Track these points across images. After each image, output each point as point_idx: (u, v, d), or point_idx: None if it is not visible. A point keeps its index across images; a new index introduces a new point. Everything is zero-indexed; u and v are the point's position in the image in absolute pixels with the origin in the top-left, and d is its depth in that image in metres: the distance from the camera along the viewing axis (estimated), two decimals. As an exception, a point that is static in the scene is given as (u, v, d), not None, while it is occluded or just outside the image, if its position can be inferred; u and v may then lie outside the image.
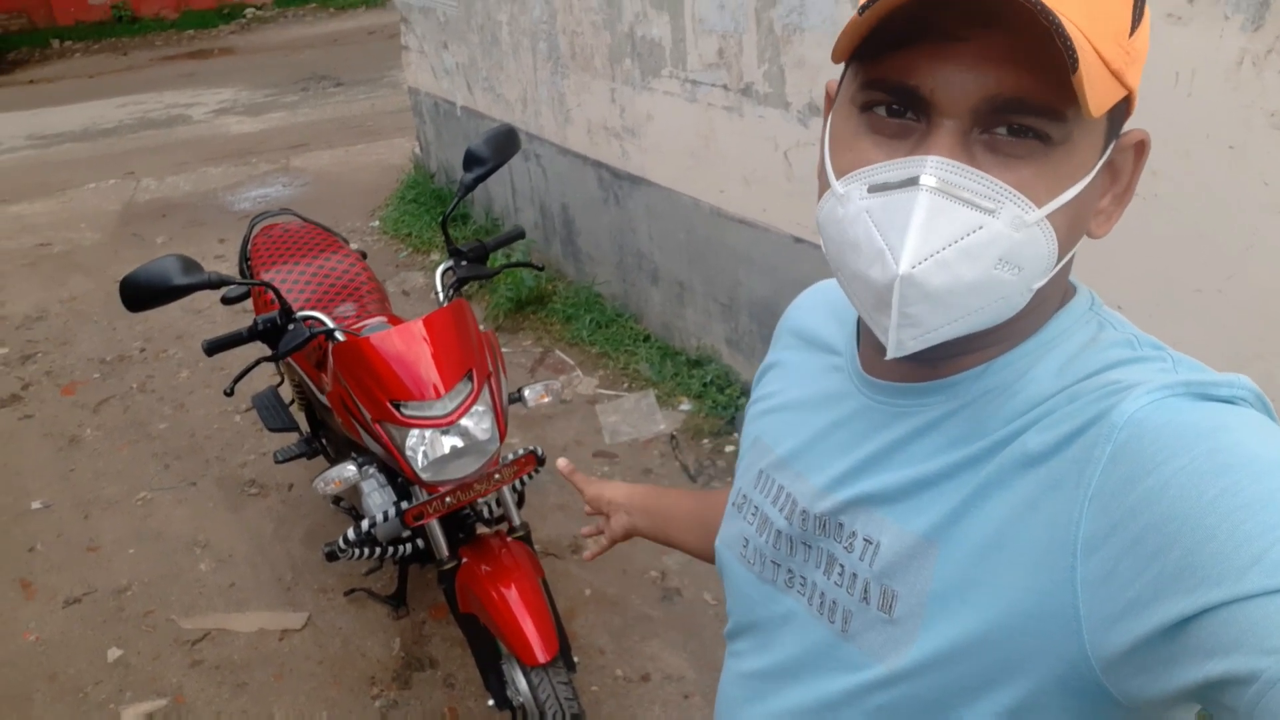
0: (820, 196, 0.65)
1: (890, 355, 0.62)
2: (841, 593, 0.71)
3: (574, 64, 3.98)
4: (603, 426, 3.54)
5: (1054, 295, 0.66)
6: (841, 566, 0.71)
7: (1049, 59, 0.53)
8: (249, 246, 2.91)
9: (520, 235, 2.21)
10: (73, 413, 4.01)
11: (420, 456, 1.82)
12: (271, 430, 2.90)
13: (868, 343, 0.74)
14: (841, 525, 0.72)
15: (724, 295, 3.49)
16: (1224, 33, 1.75)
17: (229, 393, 1.95)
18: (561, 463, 1.27)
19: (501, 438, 1.90)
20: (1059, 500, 0.58)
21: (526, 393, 2.10)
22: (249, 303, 2.80)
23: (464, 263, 2.09)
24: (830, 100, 0.69)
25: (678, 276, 3.73)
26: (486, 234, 5.13)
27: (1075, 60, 0.51)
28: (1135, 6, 0.58)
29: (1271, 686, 0.45)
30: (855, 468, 0.72)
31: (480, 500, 2.06)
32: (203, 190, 6.98)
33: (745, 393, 3.43)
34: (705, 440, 3.38)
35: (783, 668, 0.77)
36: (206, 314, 4.78)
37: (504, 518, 2.11)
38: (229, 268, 4.60)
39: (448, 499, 1.88)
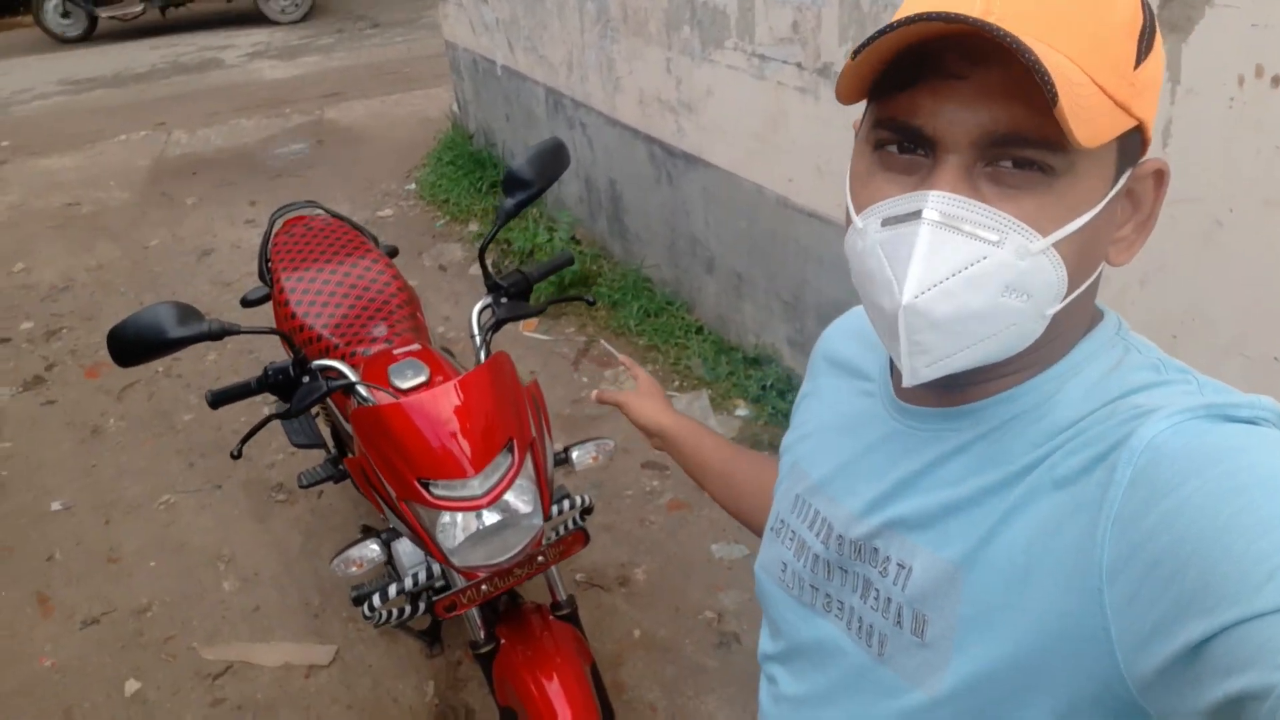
0: (846, 229, 0.68)
1: (907, 383, 0.64)
2: (877, 616, 0.72)
3: (626, 28, 3.62)
4: (652, 433, 3.27)
5: (1078, 322, 0.67)
6: (877, 591, 0.72)
7: (1043, 93, 0.53)
8: (270, 245, 2.64)
9: (569, 262, 1.91)
10: (96, 399, 3.83)
11: (451, 538, 1.56)
12: (296, 446, 2.66)
13: (898, 370, 0.73)
14: (876, 550, 0.73)
15: (788, 292, 3.17)
16: None
17: (236, 455, 1.70)
18: (596, 395, 1.34)
19: (546, 512, 1.64)
20: (1083, 523, 0.59)
21: (575, 454, 1.83)
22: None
23: (504, 299, 1.81)
24: (858, 136, 0.70)
25: (736, 267, 3.41)
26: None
27: (1054, 94, 0.52)
28: (1142, 39, 0.59)
29: None
30: (887, 492, 0.73)
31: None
32: (235, 145, 6.72)
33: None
34: (765, 452, 3.09)
35: (823, 691, 0.78)
36: (235, 287, 4.55)
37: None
38: (259, 236, 4.38)
39: (484, 587, 1.63)
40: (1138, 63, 0.59)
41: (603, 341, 2.17)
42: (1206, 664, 0.50)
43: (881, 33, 0.57)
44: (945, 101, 0.59)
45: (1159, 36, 0.62)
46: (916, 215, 0.59)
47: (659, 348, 3.70)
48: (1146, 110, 0.61)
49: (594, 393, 1.34)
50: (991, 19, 0.55)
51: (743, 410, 3.30)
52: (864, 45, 0.58)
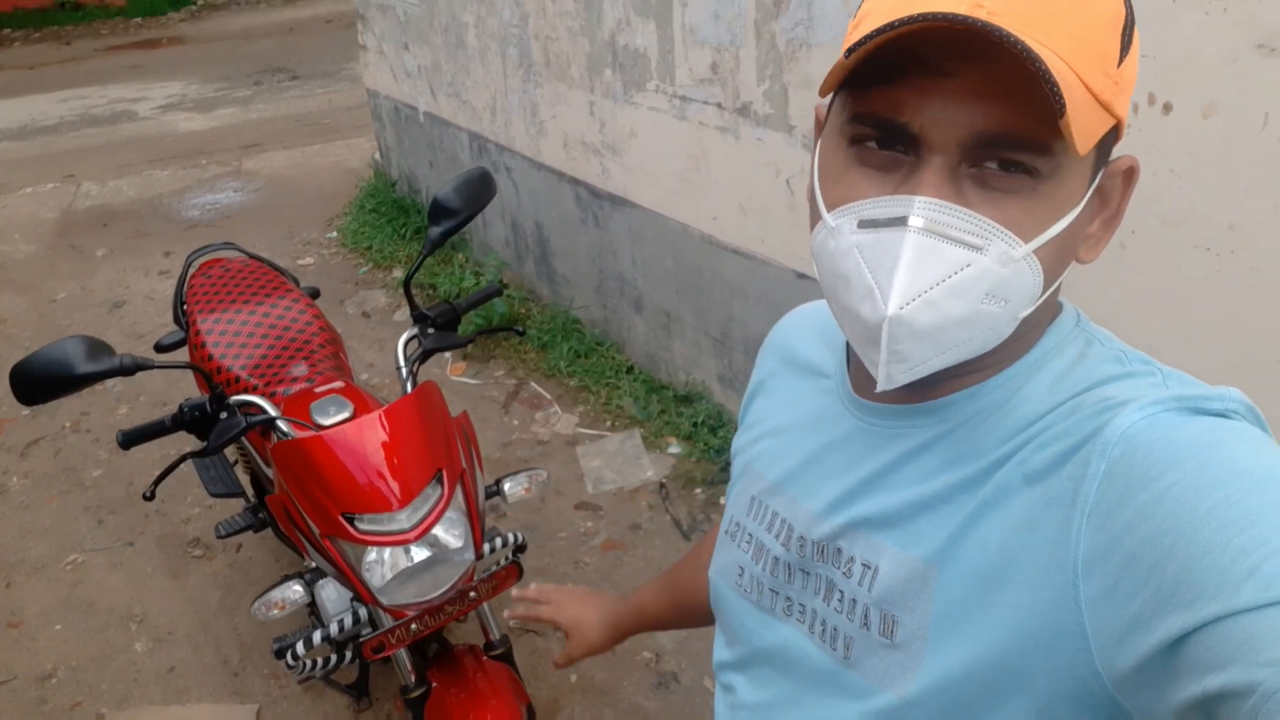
0: (812, 223, 0.65)
1: (880, 388, 0.62)
2: (842, 619, 0.70)
3: (548, 72, 3.66)
4: (585, 473, 3.23)
5: (1043, 318, 0.67)
6: (841, 592, 0.70)
7: (1036, 94, 0.52)
8: (185, 287, 2.56)
9: (497, 293, 1.89)
10: (-3, 457, 3.63)
11: (378, 577, 1.51)
12: (214, 496, 2.56)
13: (859, 366, 0.74)
14: (839, 550, 0.71)
15: (716, 329, 3.20)
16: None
17: (149, 496, 1.62)
18: (515, 611, 1.25)
19: (477, 546, 1.60)
20: (1057, 518, 0.58)
21: (507, 485, 1.79)
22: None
23: (430, 330, 1.78)
24: (820, 124, 0.68)
25: (664, 306, 3.43)
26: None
27: (1062, 105, 0.51)
28: (1124, 34, 0.58)
29: (1268, 699, 0.44)
30: (851, 491, 0.71)
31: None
32: (148, 196, 6.54)
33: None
34: (698, 490, 3.09)
35: (785, 698, 0.76)
36: (149, 338, 4.39)
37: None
38: (174, 286, 4.25)
39: (413, 626, 1.58)
40: (1120, 59, 0.57)
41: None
42: (1185, 659, 0.49)
43: (880, 31, 0.54)
44: (932, 99, 0.56)
45: (1137, 31, 0.60)
46: (902, 222, 0.57)
47: (590, 388, 3.68)
48: (1124, 108, 0.59)
49: (511, 610, 1.26)
50: (981, 13, 0.53)
51: (675, 448, 3.30)
52: (859, 44, 0.55)
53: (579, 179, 3.69)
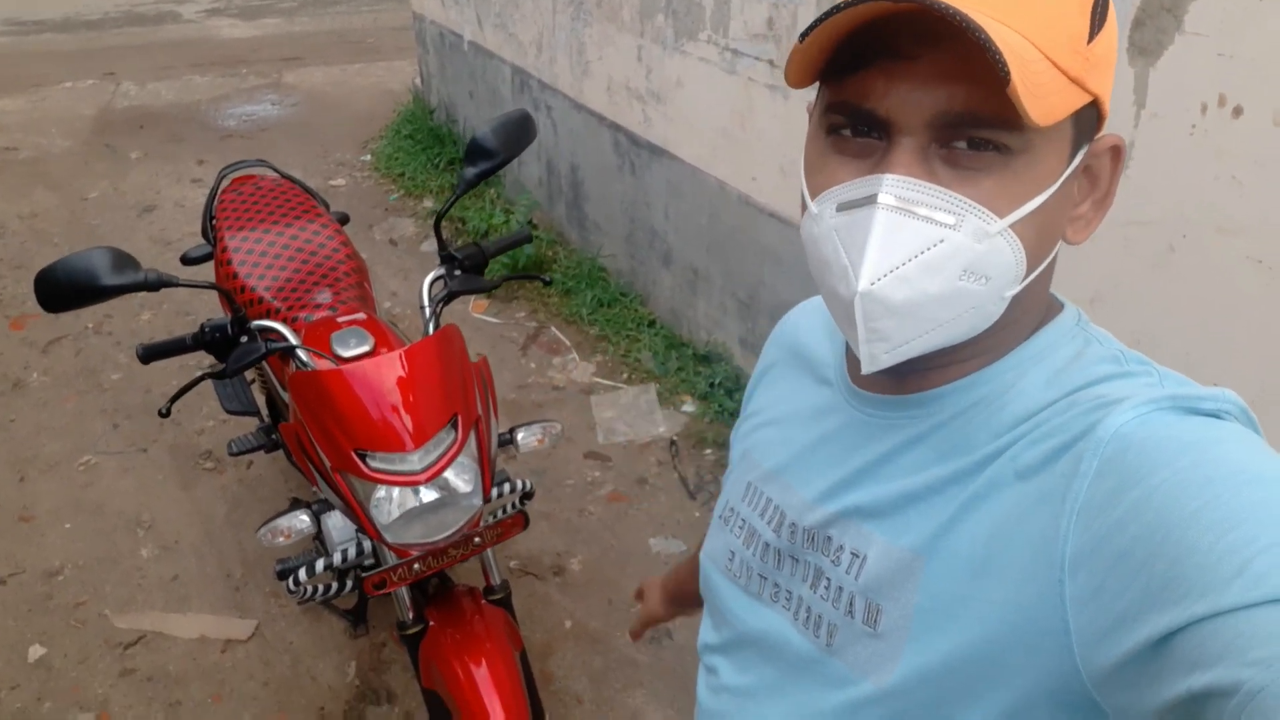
0: (802, 215, 0.67)
1: (865, 370, 0.63)
2: (827, 606, 0.71)
3: (599, 11, 3.57)
4: (597, 423, 3.23)
5: (1035, 306, 0.67)
6: (829, 580, 0.71)
7: (996, 72, 0.53)
8: (215, 202, 2.54)
9: (526, 240, 1.86)
10: (19, 351, 3.66)
11: (385, 514, 1.51)
12: (229, 413, 2.57)
13: (854, 356, 0.72)
14: (830, 538, 0.72)
15: (744, 291, 3.15)
16: None
17: (164, 413, 1.62)
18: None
19: (486, 493, 1.59)
20: (1046, 515, 0.58)
21: (520, 435, 1.78)
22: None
23: (457, 272, 1.75)
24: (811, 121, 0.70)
25: (693, 262, 3.39)
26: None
27: (1006, 72, 0.52)
28: (1095, 12, 0.59)
29: (1252, 698, 0.44)
30: (844, 481, 0.72)
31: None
32: (186, 101, 6.51)
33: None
34: (709, 450, 3.08)
35: (767, 683, 0.77)
36: (177, 245, 4.40)
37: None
38: (205, 195, 4.23)
39: (416, 566, 1.58)
40: (1090, 36, 0.58)
41: None
42: (1171, 658, 0.49)
43: (829, 14, 0.55)
44: (898, 83, 0.57)
45: (1112, 10, 0.61)
46: (872, 200, 0.58)
47: (610, 338, 3.66)
48: (1102, 85, 0.60)
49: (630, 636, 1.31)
50: None
51: (689, 406, 3.28)
52: (811, 27, 0.57)
53: (619, 125, 3.62)
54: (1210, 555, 0.49)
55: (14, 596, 2.57)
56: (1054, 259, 0.65)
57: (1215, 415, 0.57)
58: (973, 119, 0.57)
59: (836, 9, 0.55)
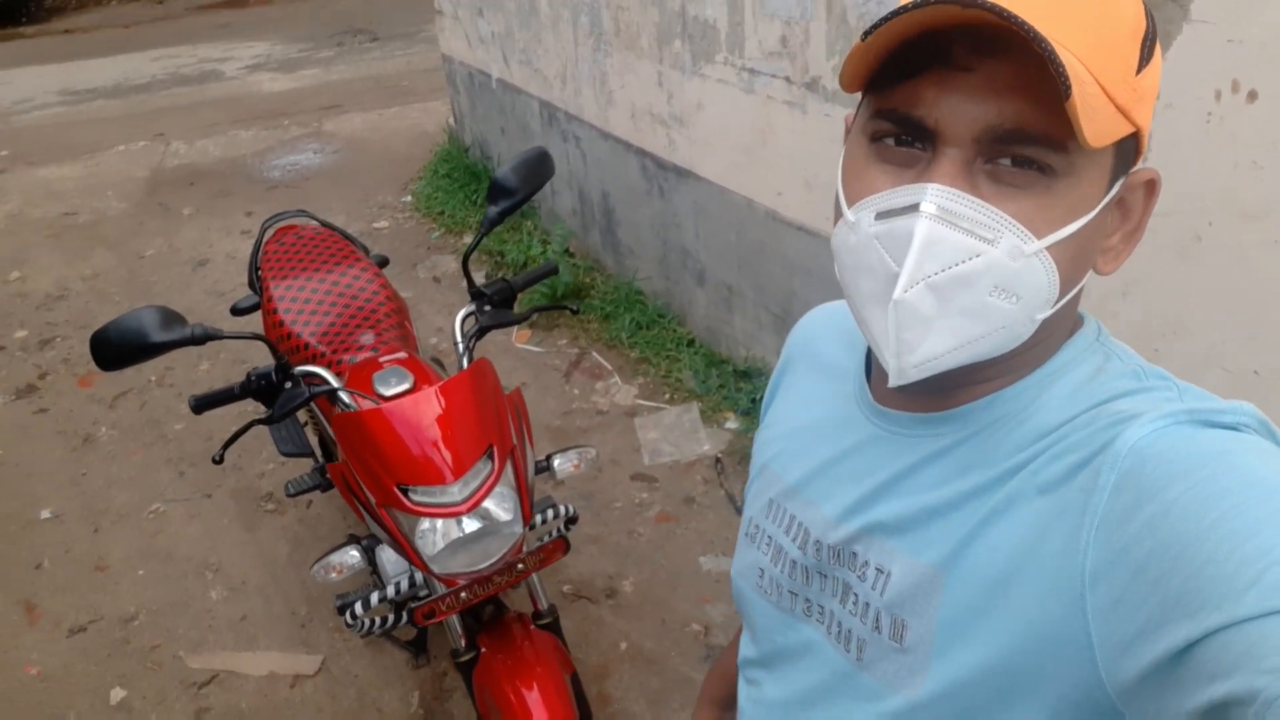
0: (835, 223, 0.66)
1: (893, 383, 0.63)
2: (856, 621, 0.71)
3: (618, 41, 3.64)
4: (641, 444, 3.27)
5: (1063, 327, 0.67)
6: (856, 595, 0.72)
7: (1051, 91, 0.53)
8: (260, 253, 2.65)
9: (553, 271, 1.92)
10: (88, 408, 3.83)
11: (430, 545, 1.57)
12: (284, 455, 2.67)
13: (878, 371, 0.75)
14: (855, 554, 0.72)
15: (777, 305, 3.18)
16: None
17: (218, 460, 1.71)
18: None
19: (526, 520, 1.64)
20: (1066, 528, 0.58)
21: (556, 462, 1.83)
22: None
23: (487, 307, 1.82)
24: (849, 131, 0.69)
25: (726, 280, 3.42)
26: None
27: (1068, 85, 0.51)
28: (1144, 44, 0.59)
29: (1269, 706, 0.45)
30: (866, 496, 0.72)
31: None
32: (232, 156, 6.75)
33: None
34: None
35: (804, 696, 0.78)
36: (229, 296, 4.55)
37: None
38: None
39: (463, 594, 1.64)
40: (1139, 68, 0.58)
41: None
42: (1191, 669, 0.49)
43: (896, 14, 0.55)
44: (950, 93, 0.57)
45: (1159, 46, 0.61)
46: (914, 208, 0.58)
47: (650, 360, 3.70)
48: (1144, 118, 0.60)
49: None
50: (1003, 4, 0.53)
51: (732, 423, 3.31)
52: (875, 26, 0.56)
53: (645, 150, 3.69)
54: (1226, 566, 0.49)
55: (94, 642, 2.68)
56: (1083, 287, 0.66)
57: (1233, 428, 0.57)
58: (1021, 135, 0.56)
59: (904, 9, 0.55)
